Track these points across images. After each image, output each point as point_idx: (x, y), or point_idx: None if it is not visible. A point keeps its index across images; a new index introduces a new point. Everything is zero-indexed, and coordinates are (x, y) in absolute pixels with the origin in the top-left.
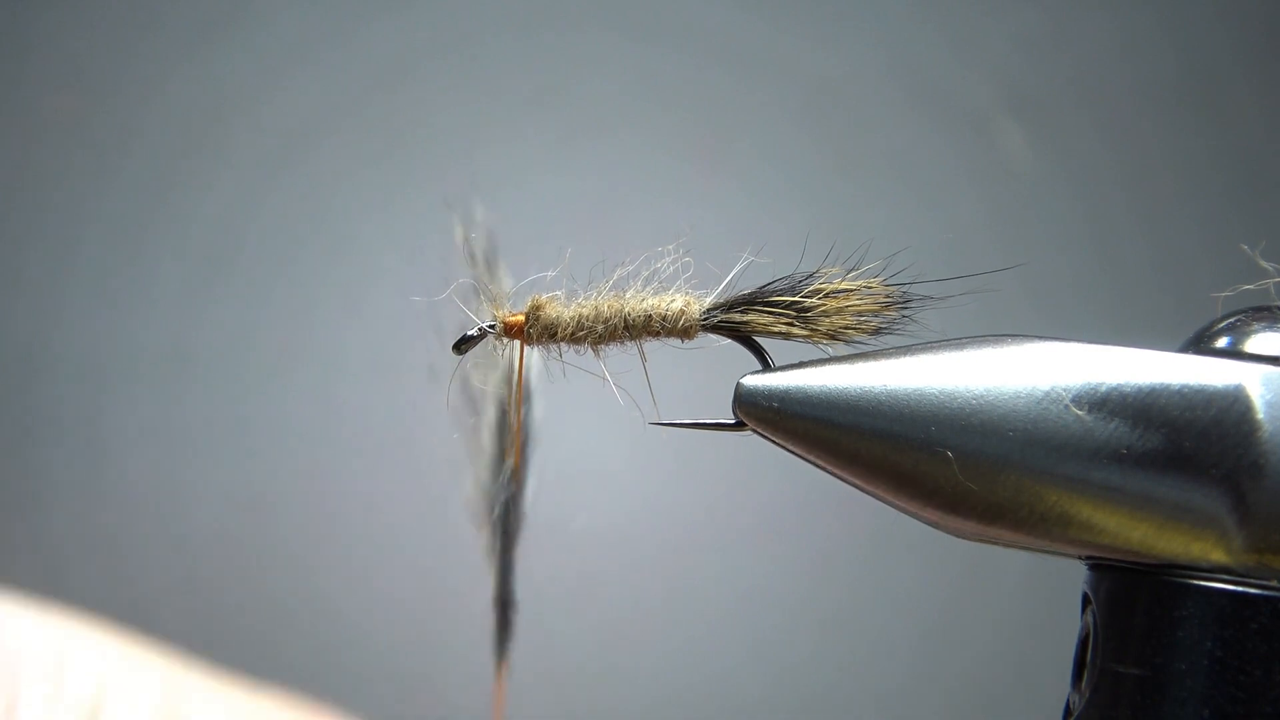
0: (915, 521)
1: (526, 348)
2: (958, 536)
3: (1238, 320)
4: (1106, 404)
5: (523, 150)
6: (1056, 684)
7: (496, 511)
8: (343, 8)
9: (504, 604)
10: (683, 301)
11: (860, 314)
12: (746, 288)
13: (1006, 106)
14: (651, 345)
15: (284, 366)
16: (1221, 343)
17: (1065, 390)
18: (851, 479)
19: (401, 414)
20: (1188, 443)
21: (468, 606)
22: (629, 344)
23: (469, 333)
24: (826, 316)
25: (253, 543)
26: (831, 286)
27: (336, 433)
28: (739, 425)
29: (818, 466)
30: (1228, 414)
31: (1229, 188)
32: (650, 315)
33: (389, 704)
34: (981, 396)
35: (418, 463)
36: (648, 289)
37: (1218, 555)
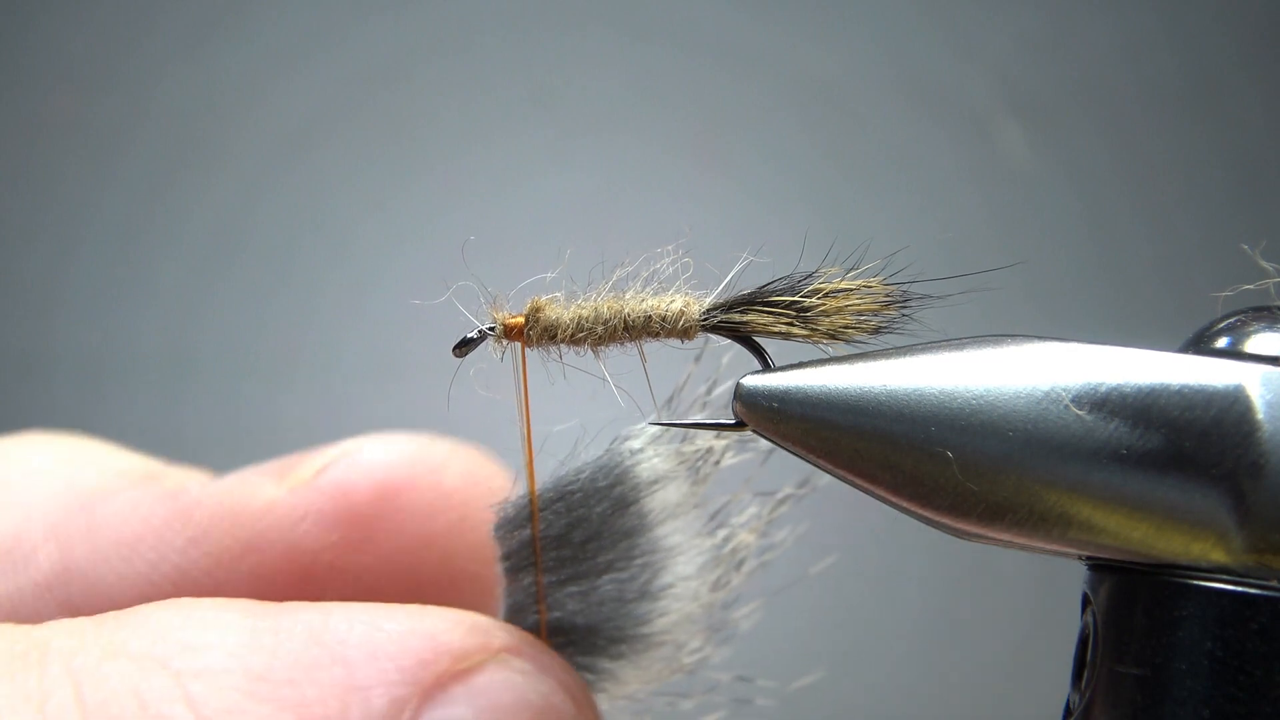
0: (915, 521)
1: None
2: (958, 537)
3: (1238, 320)
4: (1106, 404)
5: (523, 150)
6: (1056, 684)
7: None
8: (342, 8)
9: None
10: (682, 302)
11: (860, 313)
12: (746, 288)
13: (1006, 106)
14: (651, 346)
15: (283, 367)
16: (1221, 343)
17: (1065, 390)
18: (851, 479)
19: (401, 414)
20: (1188, 443)
21: None
22: (629, 345)
23: (468, 335)
24: (826, 316)
25: None
26: (831, 286)
27: (336, 433)
28: (739, 425)
29: (817, 466)
30: (1228, 414)
31: (1229, 188)
32: (650, 316)
33: None
34: (981, 396)
35: None
36: (647, 289)
37: (1218, 555)
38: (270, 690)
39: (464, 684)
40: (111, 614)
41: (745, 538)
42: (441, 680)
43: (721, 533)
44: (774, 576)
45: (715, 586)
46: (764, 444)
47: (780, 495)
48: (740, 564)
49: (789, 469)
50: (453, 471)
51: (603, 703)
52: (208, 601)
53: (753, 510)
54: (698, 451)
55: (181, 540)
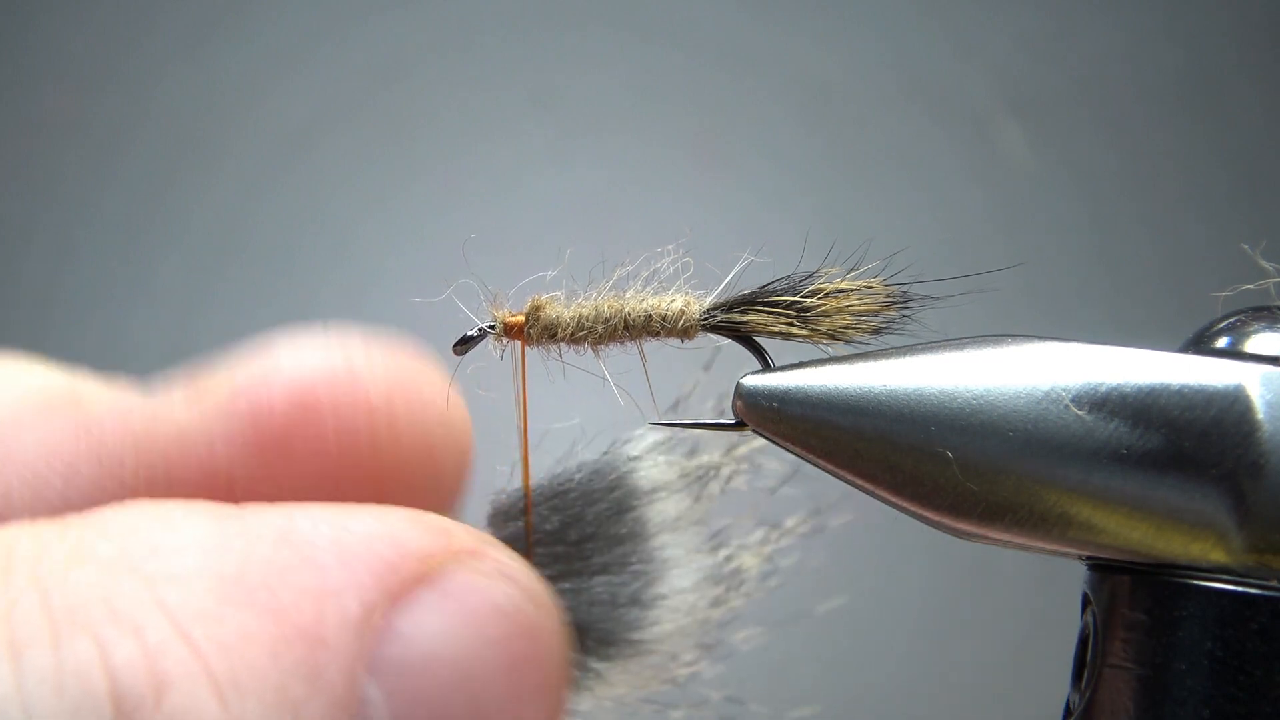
0: (915, 521)
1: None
2: (958, 537)
3: (1238, 320)
4: (1106, 404)
5: (523, 150)
6: (1056, 684)
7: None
8: (342, 7)
9: None
10: (683, 301)
11: (860, 314)
12: (746, 288)
13: (1007, 106)
14: (651, 345)
15: None
16: (1221, 343)
17: (1065, 390)
18: (851, 479)
19: None
20: (1188, 443)
21: None
22: (629, 344)
23: (469, 333)
24: (826, 316)
25: None
26: (831, 286)
27: None
28: (739, 425)
29: (817, 466)
30: (1228, 414)
31: (1230, 188)
32: (650, 315)
33: None
34: (981, 397)
35: None
36: (648, 289)
37: (1218, 555)
38: (245, 594)
39: (431, 588)
40: (74, 517)
41: (747, 560)
42: (407, 584)
43: (723, 552)
44: (775, 590)
45: (713, 603)
46: (772, 466)
47: (788, 524)
48: (740, 584)
49: (798, 497)
50: (376, 377)
51: (588, 702)
52: (170, 503)
53: (757, 535)
54: (700, 467)
55: (91, 470)
